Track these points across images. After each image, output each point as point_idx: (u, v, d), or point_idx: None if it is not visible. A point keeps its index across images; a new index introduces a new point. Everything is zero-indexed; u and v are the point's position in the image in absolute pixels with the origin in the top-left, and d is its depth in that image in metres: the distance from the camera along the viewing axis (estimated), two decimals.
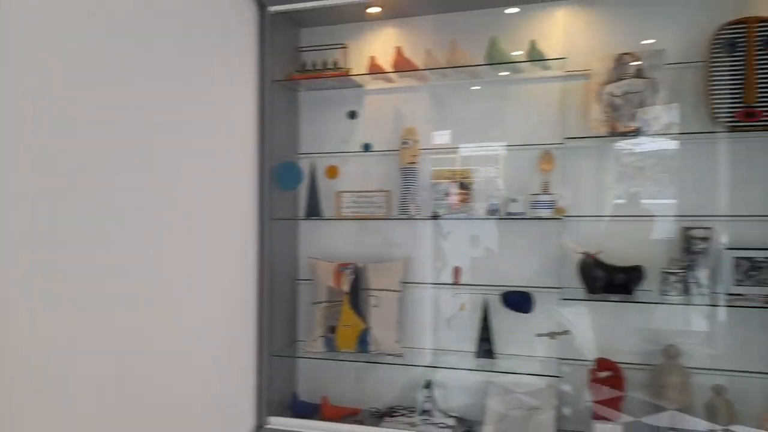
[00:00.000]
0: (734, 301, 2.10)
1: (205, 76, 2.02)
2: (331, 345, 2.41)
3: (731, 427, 2.04)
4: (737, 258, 2.14)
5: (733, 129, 2.08)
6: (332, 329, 2.41)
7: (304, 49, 2.57)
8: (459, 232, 2.46)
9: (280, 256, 2.51)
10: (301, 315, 2.65)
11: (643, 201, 2.25)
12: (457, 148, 2.45)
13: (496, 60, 2.27)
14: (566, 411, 2.26)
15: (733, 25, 2.09)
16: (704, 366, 2.15)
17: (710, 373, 2.14)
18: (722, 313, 2.15)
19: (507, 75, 2.37)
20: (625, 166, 2.28)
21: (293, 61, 2.56)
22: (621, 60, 2.20)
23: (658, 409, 2.13)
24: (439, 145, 2.46)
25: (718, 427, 2.05)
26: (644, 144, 2.23)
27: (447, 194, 2.38)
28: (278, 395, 2.48)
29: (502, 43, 2.28)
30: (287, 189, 2.48)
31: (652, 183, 2.26)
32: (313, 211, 2.57)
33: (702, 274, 2.13)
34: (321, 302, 2.46)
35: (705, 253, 2.15)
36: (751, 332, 2.13)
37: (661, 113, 2.13)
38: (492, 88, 2.43)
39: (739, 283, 2.13)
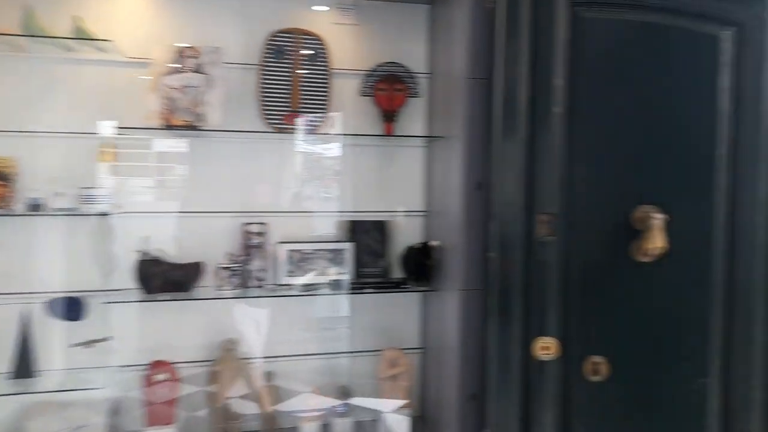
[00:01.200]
0: (281, 291, 2.25)
1: None
2: None
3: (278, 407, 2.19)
4: (290, 251, 2.31)
5: (280, 130, 2.24)
6: None
7: None
8: None
9: None
10: None
11: (211, 198, 2.25)
12: None
13: (33, 32, 1.97)
14: (120, 421, 2.10)
15: (282, 33, 2.25)
16: (262, 355, 2.26)
17: (266, 361, 2.26)
18: (275, 302, 2.28)
19: (56, 53, 2.07)
20: (187, 160, 2.23)
21: None
22: (182, 53, 2.15)
23: (215, 402, 2.15)
24: None
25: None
26: (199, 138, 2.21)
27: None
28: None
29: (42, 15, 1.99)
30: None
31: (212, 179, 2.26)
32: None
33: (257, 267, 2.24)
34: None
35: (261, 246, 2.26)
36: (301, 318, 2.33)
37: (216, 110, 2.15)
38: (39, 66, 2.10)
39: (290, 273, 2.30)
